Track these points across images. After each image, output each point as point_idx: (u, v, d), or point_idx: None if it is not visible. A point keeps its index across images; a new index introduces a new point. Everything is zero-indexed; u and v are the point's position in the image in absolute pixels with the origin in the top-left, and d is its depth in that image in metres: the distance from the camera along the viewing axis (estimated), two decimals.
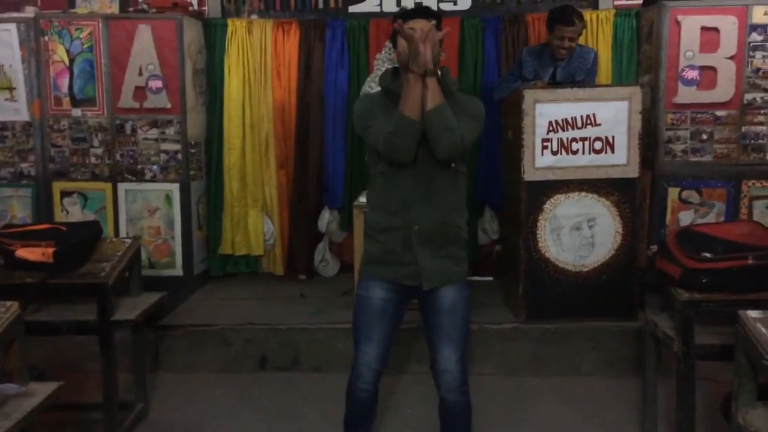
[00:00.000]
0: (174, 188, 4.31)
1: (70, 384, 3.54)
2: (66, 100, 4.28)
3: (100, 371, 2.99)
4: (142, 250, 4.27)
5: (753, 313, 2.04)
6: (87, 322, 2.89)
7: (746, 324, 1.99)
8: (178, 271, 4.38)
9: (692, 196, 3.99)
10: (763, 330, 1.94)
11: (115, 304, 3.04)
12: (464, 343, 2.44)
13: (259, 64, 4.66)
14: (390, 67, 2.52)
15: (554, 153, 3.64)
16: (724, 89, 3.92)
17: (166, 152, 4.28)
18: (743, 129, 3.94)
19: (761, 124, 3.93)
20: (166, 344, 3.90)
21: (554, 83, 3.91)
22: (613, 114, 3.61)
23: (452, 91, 2.40)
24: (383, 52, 4.14)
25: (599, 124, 3.62)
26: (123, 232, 4.31)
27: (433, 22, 2.35)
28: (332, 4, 4.77)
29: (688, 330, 2.47)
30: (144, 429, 3.26)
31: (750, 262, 2.44)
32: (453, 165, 2.39)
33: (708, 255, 2.49)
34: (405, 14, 2.39)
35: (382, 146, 2.31)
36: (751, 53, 3.89)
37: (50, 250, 2.83)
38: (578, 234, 3.70)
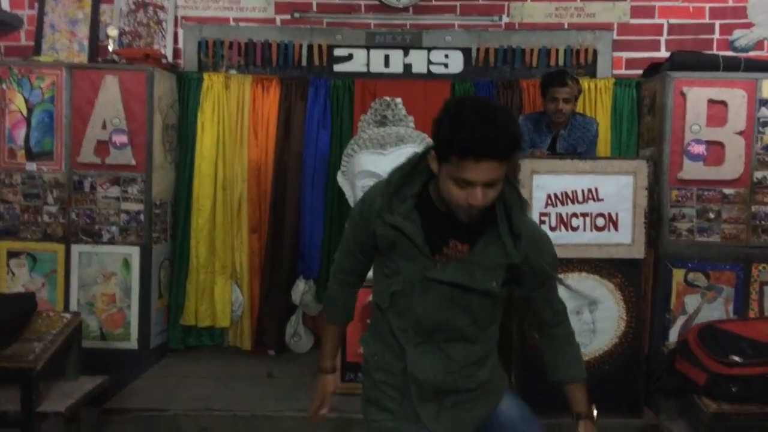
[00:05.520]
0: (134, 252, 3.93)
1: None
2: (21, 153, 3.93)
3: None
4: (94, 319, 3.89)
5: None
6: (7, 413, 2.45)
7: None
8: (133, 344, 3.95)
9: (699, 278, 3.67)
10: None
11: (46, 390, 2.62)
12: None
13: (235, 121, 4.35)
14: (408, 163, 1.80)
15: (552, 229, 3.33)
16: (733, 166, 3.66)
17: (127, 212, 3.91)
18: (753, 208, 3.66)
19: None
20: (112, 430, 3.43)
21: (553, 154, 3.64)
22: (617, 189, 3.33)
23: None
24: (368, 113, 3.88)
25: (602, 199, 3.33)
26: (73, 299, 3.90)
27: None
28: (316, 61, 4.50)
29: None
30: None
31: None
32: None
33: (737, 359, 2.17)
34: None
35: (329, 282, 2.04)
36: (761, 129, 3.65)
37: None
38: (578, 319, 3.35)
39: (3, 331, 2.50)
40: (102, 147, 3.89)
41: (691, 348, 2.25)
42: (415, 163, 1.78)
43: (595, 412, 1.92)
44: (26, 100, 3.92)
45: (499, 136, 1.55)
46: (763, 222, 3.67)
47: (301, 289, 4.36)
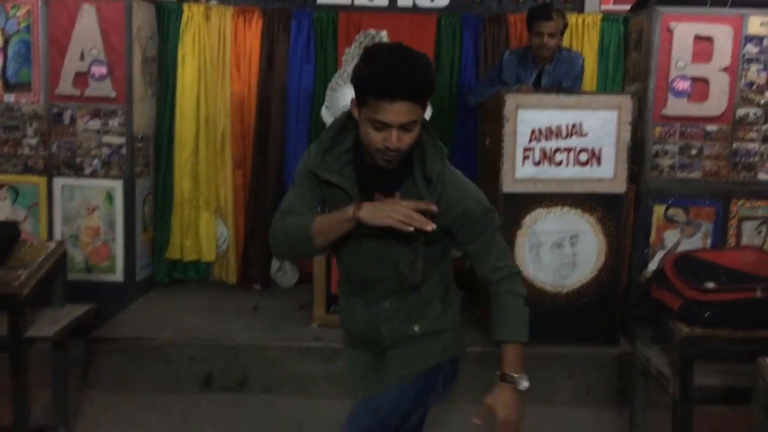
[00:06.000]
0: (117, 185, 3.90)
1: None
2: None
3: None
4: (79, 252, 3.89)
5: None
6: None
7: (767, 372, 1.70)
8: (119, 276, 3.97)
9: (678, 214, 3.73)
10: None
11: (33, 316, 2.65)
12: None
13: (216, 54, 4.28)
14: (338, 120, 1.83)
15: (536, 164, 3.35)
16: (716, 102, 3.67)
17: (109, 145, 3.87)
18: (734, 145, 3.70)
19: (753, 140, 3.69)
20: (98, 359, 3.49)
21: (538, 89, 3.63)
22: (601, 124, 3.34)
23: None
24: (353, 46, 3.83)
25: (586, 134, 3.34)
26: (58, 233, 3.90)
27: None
28: None
29: (687, 369, 2.18)
30: None
31: (758, 294, 2.16)
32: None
33: (711, 285, 2.21)
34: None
35: (272, 228, 1.83)
36: (745, 66, 3.65)
37: None
38: (559, 252, 3.41)
39: None
40: (81, 79, 3.82)
41: (667, 275, 2.30)
42: (345, 120, 1.80)
43: (524, 383, 1.76)
44: (2, 30, 3.82)
45: (412, 76, 1.58)
46: (743, 159, 3.71)
47: None
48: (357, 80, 1.66)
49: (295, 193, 1.84)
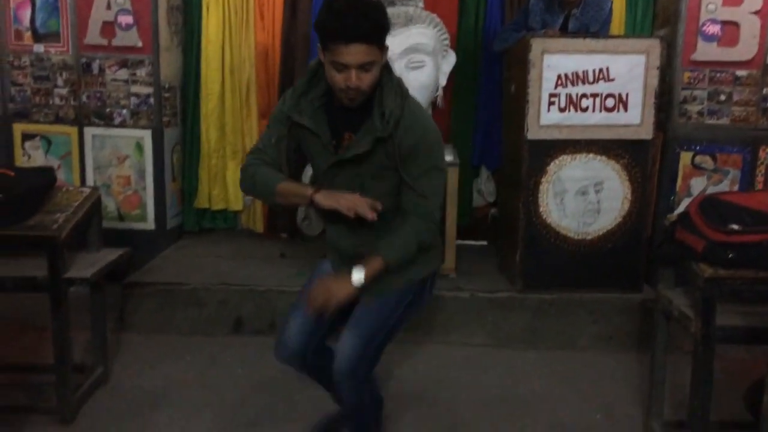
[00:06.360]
0: (146, 135, 3.96)
1: (24, 344, 3.30)
2: (27, 35, 3.90)
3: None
4: (111, 201, 3.98)
5: None
6: (36, 279, 2.58)
7: None
8: (150, 224, 4.07)
9: (706, 161, 3.70)
10: None
11: (71, 259, 2.74)
12: (370, 338, 2.11)
13: (240, 3, 4.27)
14: (312, 66, 2.01)
15: (562, 110, 3.33)
16: (747, 47, 3.59)
17: (137, 95, 3.92)
18: (764, 91, 3.64)
19: None
20: (133, 303, 3.61)
21: (565, 33, 3.58)
22: (628, 69, 3.30)
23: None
24: None
25: (612, 80, 3.31)
26: (90, 182, 3.98)
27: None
28: None
29: (709, 310, 2.20)
30: (104, 394, 2.99)
31: None
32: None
33: (736, 227, 2.21)
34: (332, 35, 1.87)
35: (243, 166, 2.10)
36: None
37: None
38: (583, 199, 3.42)
39: (25, 202, 2.58)
40: (108, 28, 3.85)
41: (691, 218, 2.30)
42: (317, 66, 1.99)
43: (357, 278, 1.95)
44: None
45: (363, 20, 1.80)
46: None
47: (309, 173, 4.42)
48: (318, 27, 1.86)
49: (268, 134, 2.07)
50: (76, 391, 2.80)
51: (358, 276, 1.96)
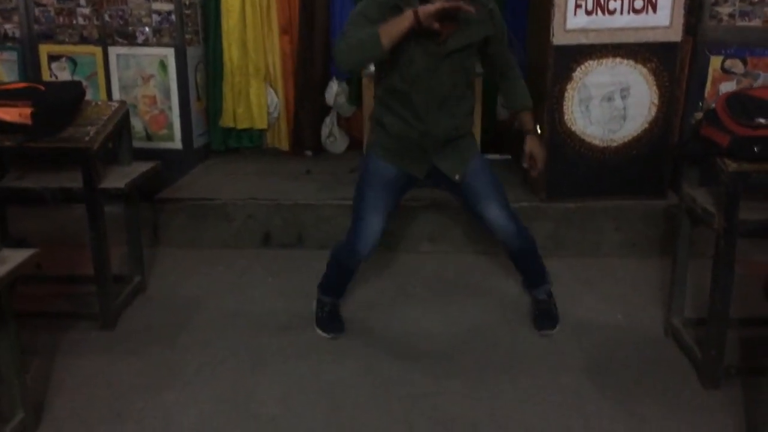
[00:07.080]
0: (169, 53, 3.97)
1: (65, 257, 3.44)
2: None
3: None
4: (138, 121, 4.04)
5: None
6: (72, 190, 2.67)
7: None
8: (177, 144, 4.12)
9: (736, 65, 3.61)
10: None
11: (104, 172, 2.82)
12: (504, 195, 2.64)
13: None
14: None
15: (588, 13, 3.26)
16: None
17: (158, 12, 3.91)
18: None
19: None
20: (165, 219, 3.72)
21: None
22: None
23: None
24: None
25: None
26: None
27: None
28: None
29: (733, 204, 2.21)
30: (142, 302, 3.14)
31: None
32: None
33: (762, 121, 2.19)
34: None
35: (336, 48, 2.32)
36: None
37: (27, 111, 2.56)
38: (609, 105, 3.38)
39: (59, 113, 2.64)
40: None
41: (717, 114, 2.28)
42: None
43: (539, 129, 2.49)
44: None
45: None
46: None
47: (334, 90, 4.42)
48: None
49: (354, 28, 2.29)
50: (116, 299, 2.94)
51: (538, 131, 2.64)
